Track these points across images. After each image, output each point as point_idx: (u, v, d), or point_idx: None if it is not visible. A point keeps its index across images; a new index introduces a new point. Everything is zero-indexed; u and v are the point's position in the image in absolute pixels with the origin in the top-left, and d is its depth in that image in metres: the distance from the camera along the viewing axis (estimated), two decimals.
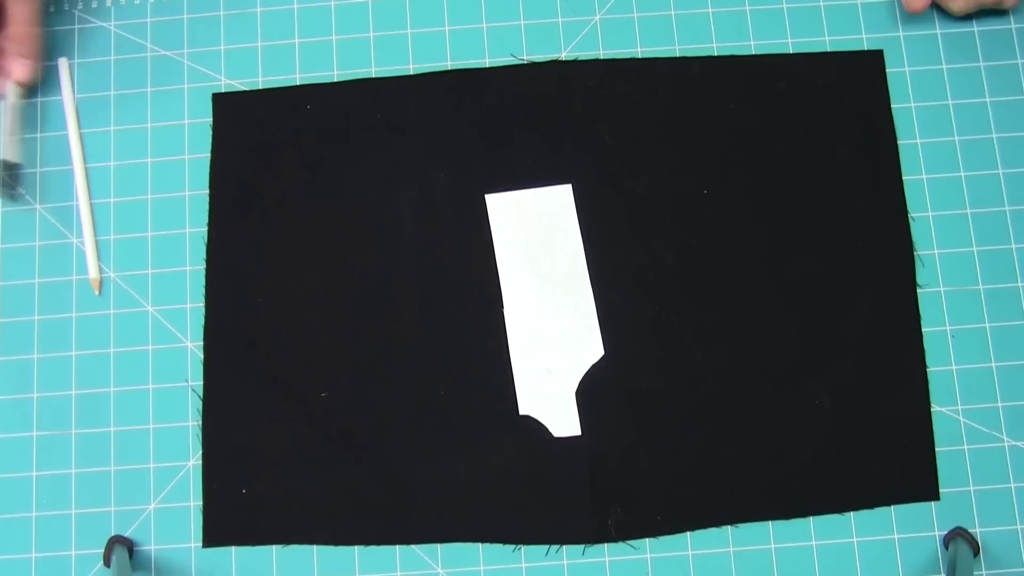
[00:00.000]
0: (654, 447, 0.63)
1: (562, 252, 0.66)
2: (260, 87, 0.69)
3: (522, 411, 0.64)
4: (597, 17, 0.70)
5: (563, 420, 0.64)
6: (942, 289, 0.65)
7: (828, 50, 0.69)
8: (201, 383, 0.65)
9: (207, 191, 0.68)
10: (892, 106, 0.68)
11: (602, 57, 0.69)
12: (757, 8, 0.70)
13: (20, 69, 0.66)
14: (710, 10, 0.70)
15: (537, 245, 0.66)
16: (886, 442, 0.63)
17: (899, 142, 0.67)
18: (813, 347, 0.64)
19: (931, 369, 0.64)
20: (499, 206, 0.67)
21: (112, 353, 0.65)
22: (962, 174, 0.67)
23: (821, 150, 0.67)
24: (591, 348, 0.65)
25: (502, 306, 0.65)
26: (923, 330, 0.65)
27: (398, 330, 0.65)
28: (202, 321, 0.66)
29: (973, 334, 0.65)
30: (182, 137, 0.69)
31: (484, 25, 0.70)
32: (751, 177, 0.67)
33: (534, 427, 0.64)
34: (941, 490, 0.63)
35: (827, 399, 0.63)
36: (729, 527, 0.63)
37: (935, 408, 0.64)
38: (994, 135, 0.68)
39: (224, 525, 0.63)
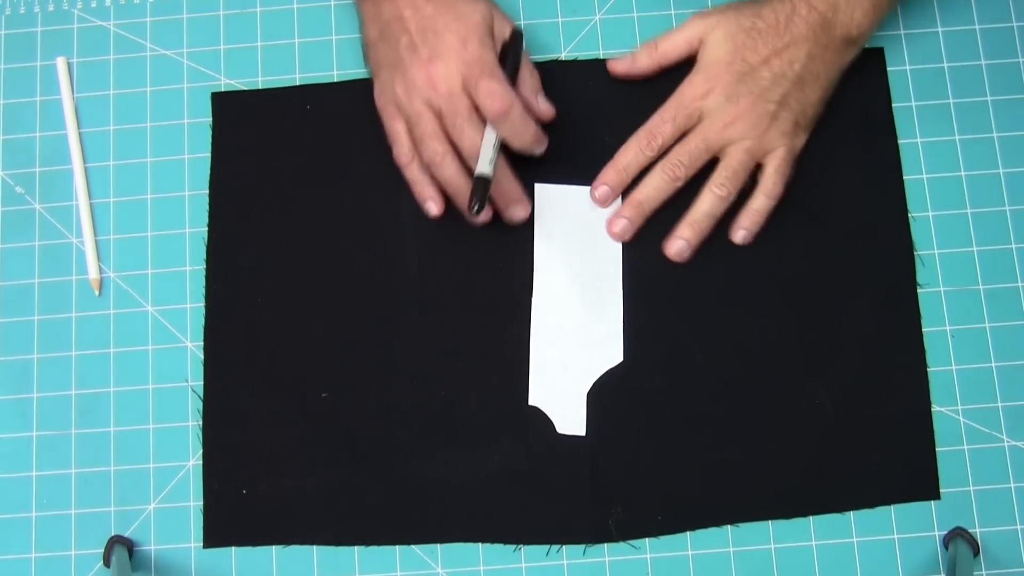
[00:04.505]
0: (654, 447, 0.63)
1: (601, 253, 0.66)
2: (260, 87, 0.69)
3: (531, 402, 0.64)
4: (597, 17, 0.70)
5: (570, 417, 0.64)
6: (942, 289, 0.65)
7: None
8: (201, 383, 0.65)
9: (207, 191, 0.68)
10: (893, 104, 0.68)
11: (602, 57, 0.69)
12: None
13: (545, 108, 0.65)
14: None
15: (577, 241, 0.66)
16: (886, 442, 0.63)
17: (900, 141, 0.67)
18: (813, 347, 0.64)
19: (931, 369, 0.64)
20: (546, 197, 0.66)
21: (112, 353, 0.66)
22: (963, 173, 0.67)
23: (822, 149, 0.67)
24: (611, 352, 0.65)
25: (530, 295, 0.65)
26: (923, 330, 0.65)
27: (397, 330, 0.65)
28: (202, 321, 0.66)
29: (973, 334, 0.65)
30: (182, 137, 0.69)
31: None
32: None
33: (535, 428, 0.64)
34: (941, 490, 0.63)
35: (827, 399, 0.63)
36: (729, 527, 0.63)
37: (935, 408, 0.64)
38: (995, 134, 0.67)
39: (224, 525, 0.63)
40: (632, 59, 0.67)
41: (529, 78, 0.65)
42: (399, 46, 0.62)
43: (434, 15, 0.62)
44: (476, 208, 0.60)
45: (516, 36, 0.64)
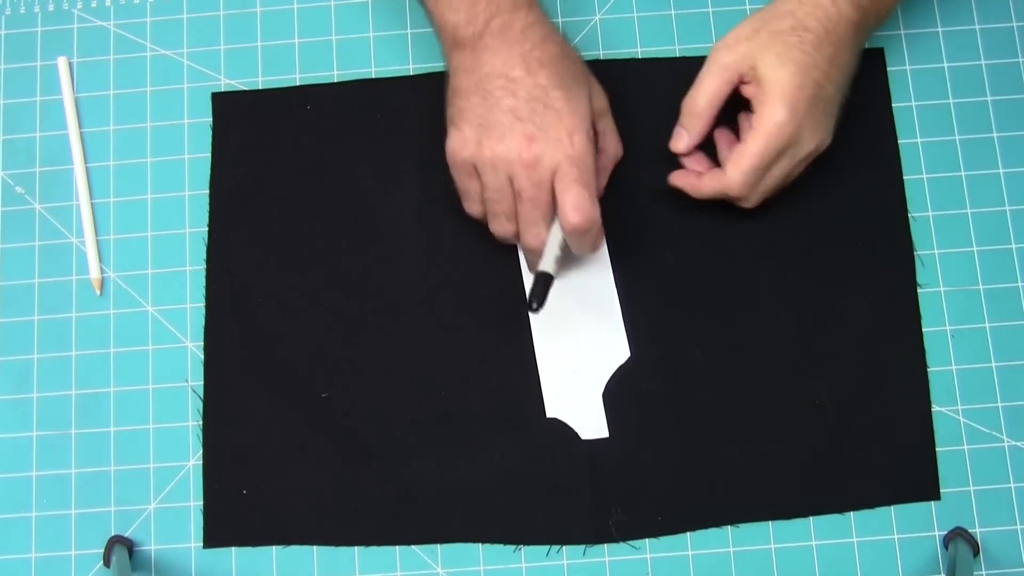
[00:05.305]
0: (654, 448, 0.63)
1: (588, 256, 0.66)
2: (260, 87, 0.69)
3: (549, 414, 0.64)
4: (597, 17, 0.70)
5: (590, 422, 0.64)
6: (942, 289, 0.65)
7: None
8: (201, 383, 0.65)
9: (207, 191, 0.68)
10: (893, 105, 0.68)
11: (602, 57, 0.69)
12: (757, 7, 0.69)
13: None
14: (710, 10, 0.69)
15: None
16: (886, 442, 0.63)
17: (900, 141, 0.67)
18: (813, 347, 0.64)
19: (931, 369, 0.64)
20: None
21: (112, 353, 0.66)
22: (962, 174, 0.67)
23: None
24: (617, 350, 0.65)
25: (522, 307, 0.65)
26: (923, 330, 0.65)
27: (397, 330, 0.65)
28: (202, 321, 0.66)
29: (973, 334, 0.65)
30: (182, 137, 0.69)
31: None
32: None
33: (535, 427, 0.64)
34: (941, 490, 0.63)
35: (827, 399, 0.63)
36: (729, 527, 0.63)
37: (935, 408, 0.64)
38: (995, 134, 0.67)
39: (224, 525, 0.63)
40: (686, 145, 0.63)
41: (613, 150, 0.64)
42: (498, 107, 0.58)
43: (547, 87, 0.58)
44: (535, 306, 0.59)
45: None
